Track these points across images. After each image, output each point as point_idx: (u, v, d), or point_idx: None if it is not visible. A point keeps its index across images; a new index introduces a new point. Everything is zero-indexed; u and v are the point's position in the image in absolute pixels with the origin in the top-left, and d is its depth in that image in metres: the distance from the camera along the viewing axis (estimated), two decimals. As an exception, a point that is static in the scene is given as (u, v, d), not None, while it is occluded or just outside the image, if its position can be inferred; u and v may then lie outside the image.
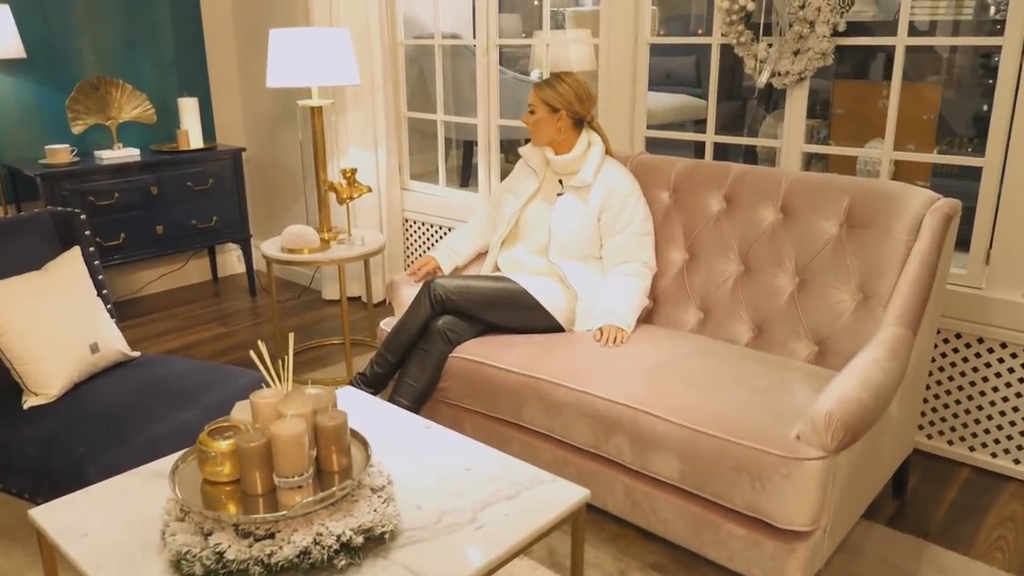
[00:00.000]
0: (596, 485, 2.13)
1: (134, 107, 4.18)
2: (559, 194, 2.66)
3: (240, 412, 1.54)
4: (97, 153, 3.98)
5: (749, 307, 2.48)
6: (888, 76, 4.99)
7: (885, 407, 1.87)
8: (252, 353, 1.78)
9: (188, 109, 4.21)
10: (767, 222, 2.48)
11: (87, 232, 2.67)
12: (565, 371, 2.23)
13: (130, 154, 4.03)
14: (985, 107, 4.42)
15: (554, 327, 2.56)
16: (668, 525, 2.02)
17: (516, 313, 2.53)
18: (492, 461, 1.73)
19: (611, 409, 2.05)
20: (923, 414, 2.72)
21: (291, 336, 1.82)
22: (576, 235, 2.61)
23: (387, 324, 2.69)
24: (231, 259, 4.87)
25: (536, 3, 5.79)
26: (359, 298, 4.32)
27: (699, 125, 5.24)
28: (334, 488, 1.41)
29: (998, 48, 2.41)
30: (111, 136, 4.08)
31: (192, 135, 4.22)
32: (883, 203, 2.27)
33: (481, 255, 2.90)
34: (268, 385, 1.73)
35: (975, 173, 2.64)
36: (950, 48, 4.26)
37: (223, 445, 1.45)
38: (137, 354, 2.59)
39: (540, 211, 2.70)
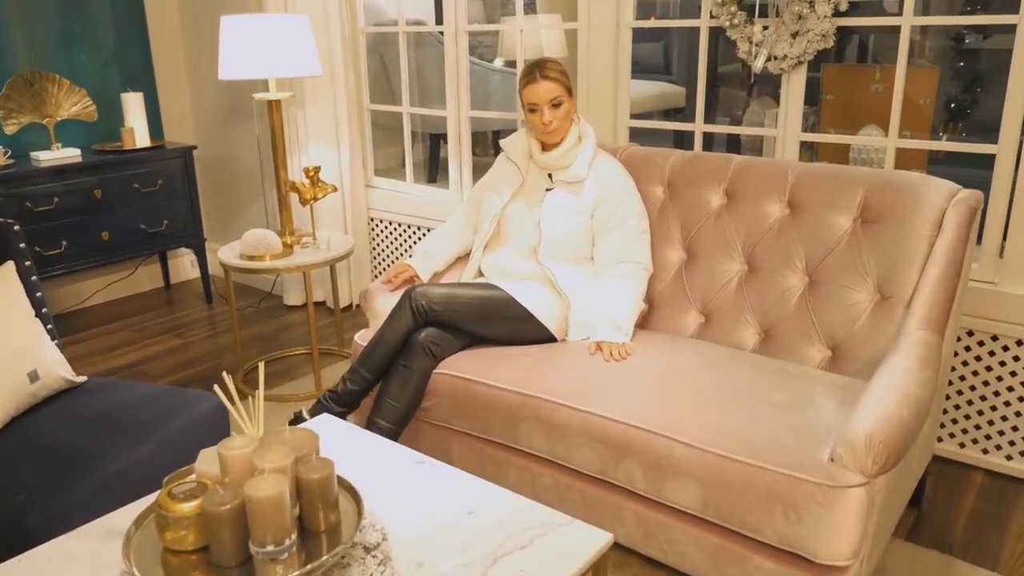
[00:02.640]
0: (604, 514, 1.94)
1: (73, 104, 3.86)
2: (548, 189, 2.44)
3: (206, 462, 1.30)
4: (33, 154, 3.66)
5: (755, 310, 2.30)
6: (864, 59, 4.86)
7: (923, 423, 1.70)
8: (217, 388, 1.55)
9: (132, 105, 3.90)
10: (773, 218, 2.31)
11: (22, 245, 2.38)
12: (565, 388, 2.02)
13: (70, 155, 3.71)
14: (957, 91, 4.33)
15: (546, 337, 2.35)
16: (687, 558, 1.84)
17: (505, 324, 2.32)
18: (497, 502, 1.53)
19: (620, 431, 1.86)
20: (933, 416, 2.58)
21: (261, 366, 1.60)
22: (569, 234, 2.40)
23: (362, 338, 2.46)
24: (184, 264, 4.57)
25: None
26: (324, 303, 4.06)
27: (671, 114, 5.07)
28: (324, 557, 1.18)
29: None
30: (48, 136, 3.76)
31: (138, 133, 3.90)
32: (901, 196, 2.11)
33: (462, 259, 2.67)
34: (235, 417, 1.51)
35: (969, 160, 2.53)
36: (920, 29, 4.14)
37: (187, 508, 1.21)
38: (83, 379, 2.32)
39: (525, 210, 2.48)
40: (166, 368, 3.45)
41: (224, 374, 1.64)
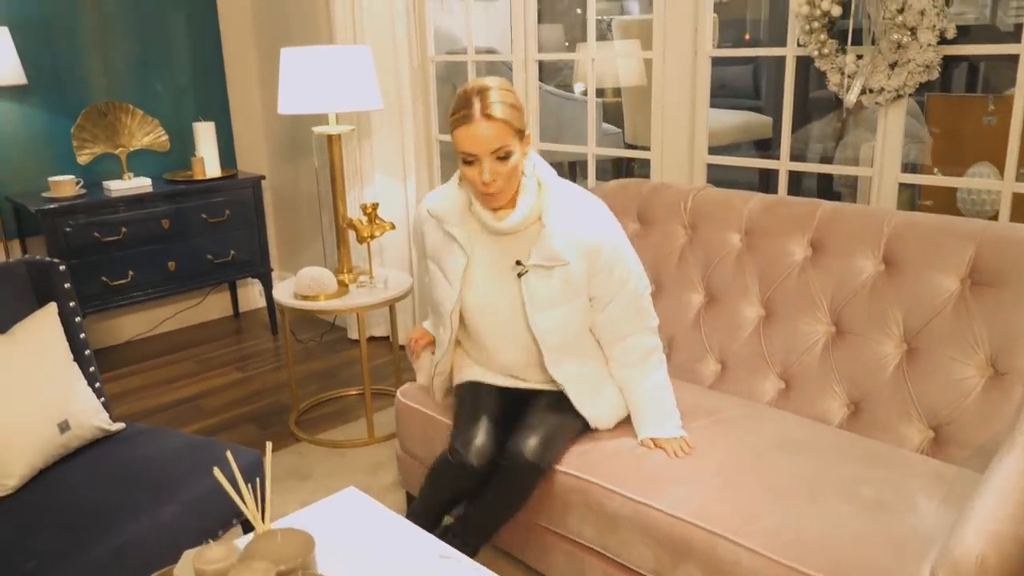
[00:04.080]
0: (659, 617, 1.70)
1: (145, 134, 3.86)
2: (520, 275, 1.87)
3: (186, 569, 1.15)
4: (106, 184, 3.68)
5: (844, 379, 2.02)
6: (974, 87, 4.46)
7: (1048, 539, 1.41)
8: (217, 472, 1.40)
9: (204, 134, 3.88)
10: (866, 275, 2.03)
11: (67, 285, 2.32)
12: (618, 472, 1.79)
13: (141, 184, 3.71)
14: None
15: None
16: None
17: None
18: (525, 616, 1.32)
19: (679, 529, 1.62)
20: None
21: (268, 446, 1.45)
22: (572, 331, 1.92)
23: (405, 394, 2.29)
24: (253, 293, 4.54)
25: (579, 11, 5.38)
26: (386, 338, 3.94)
27: (760, 145, 4.77)
28: None
29: None
30: (121, 165, 3.78)
31: (208, 162, 3.88)
32: (1020, 254, 1.81)
33: None
34: (239, 505, 1.36)
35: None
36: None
37: (153, 629, 1.06)
38: (120, 427, 2.22)
39: (496, 301, 1.92)
40: (222, 404, 3.37)
41: (228, 453, 1.50)
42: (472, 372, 2.08)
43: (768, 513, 1.59)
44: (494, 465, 1.88)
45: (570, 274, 1.86)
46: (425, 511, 2.05)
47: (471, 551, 1.94)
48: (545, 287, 1.86)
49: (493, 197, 1.81)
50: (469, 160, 1.77)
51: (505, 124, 1.74)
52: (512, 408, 2.00)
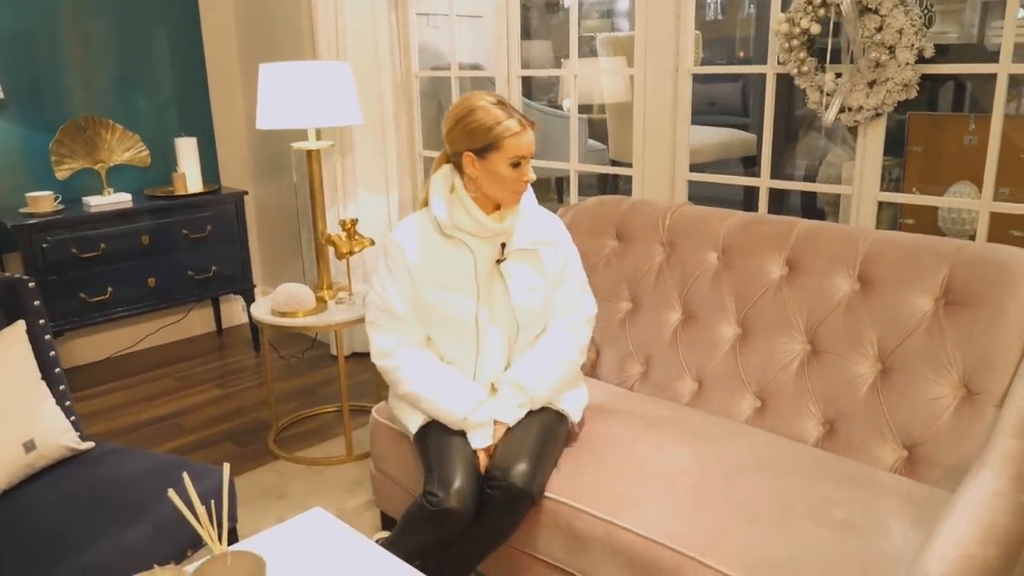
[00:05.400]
0: (629, 640, 1.67)
1: (126, 149, 3.84)
2: (499, 261, 2.01)
3: (133, 595, 1.12)
4: (85, 199, 3.65)
5: (819, 398, 2.01)
6: (961, 105, 4.46)
7: (1015, 564, 1.39)
8: (172, 493, 1.37)
9: (185, 150, 3.86)
10: (841, 294, 2.02)
11: (36, 302, 2.29)
12: (590, 492, 1.76)
13: (120, 200, 3.69)
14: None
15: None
16: None
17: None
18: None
19: (648, 550, 1.59)
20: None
21: (226, 467, 1.42)
22: (541, 315, 2.06)
23: (379, 412, 2.27)
24: (236, 309, 4.51)
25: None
26: (367, 354, 3.90)
27: (746, 162, 4.77)
28: None
29: None
30: (100, 181, 3.75)
31: (190, 178, 3.86)
32: (994, 275, 1.80)
33: None
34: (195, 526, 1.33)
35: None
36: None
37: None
38: (89, 446, 2.18)
39: (488, 292, 2.03)
40: (200, 422, 3.33)
41: (184, 475, 1.46)
42: None
43: (737, 534, 1.56)
44: (478, 507, 1.81)
45: (545, 260, 2.05)
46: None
47: None
48: (524, 276, 2.03)
49: (521, 194, 2.00)
50: (517, 163, 1.93)
51: (533, 133, 1.97)
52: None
